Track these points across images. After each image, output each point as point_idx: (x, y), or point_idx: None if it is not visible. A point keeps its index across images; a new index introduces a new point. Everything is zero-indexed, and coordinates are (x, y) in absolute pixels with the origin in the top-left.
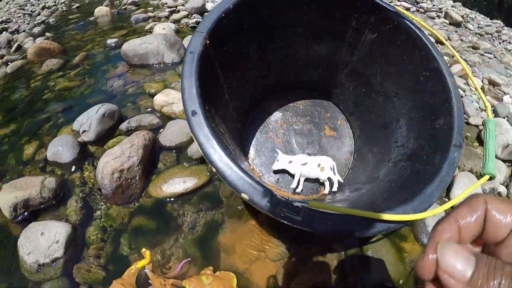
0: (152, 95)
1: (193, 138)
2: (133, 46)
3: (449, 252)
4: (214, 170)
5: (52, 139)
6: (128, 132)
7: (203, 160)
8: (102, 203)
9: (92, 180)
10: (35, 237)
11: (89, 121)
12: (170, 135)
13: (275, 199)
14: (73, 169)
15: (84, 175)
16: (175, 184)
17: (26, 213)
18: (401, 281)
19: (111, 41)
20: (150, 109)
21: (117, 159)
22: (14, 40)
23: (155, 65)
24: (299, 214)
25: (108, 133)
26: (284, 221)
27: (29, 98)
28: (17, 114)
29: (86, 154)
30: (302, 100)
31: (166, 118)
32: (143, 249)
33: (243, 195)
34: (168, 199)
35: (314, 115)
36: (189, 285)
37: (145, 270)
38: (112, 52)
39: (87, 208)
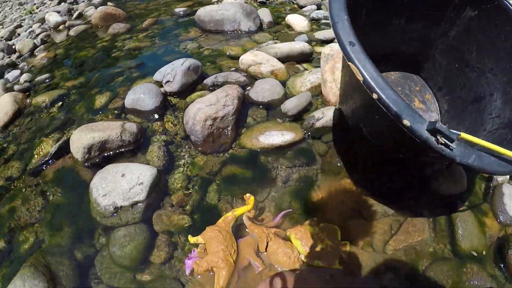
0: (232, 57)
1: (352, 67)
2: (209, 11)
3: None
4: (375, 97)
5: (127, 90)
6: (214, 87)
7: (298, 117)
8: (188, 152)
9: (175, 129)
10: (113, 179)
11: (173, 72)
12: (262, 92)
13: (434, 126)
14: (155, 117)
15: (166, 125)
16: (273, 136)
17: (100, 156)
18: (484, 252)
19: (179, 10)
20: (233, 68)
21: (212, 106)
22: (74, 9)
23: (230, 32)
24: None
25: (191, 87)
26: (439, 151)
27: (96, 56)
28: (85, 69)
29: (167, 105)
30: (393, 72)
31: (251, 77)
32: (247, 194)
33: (405, 122)
34: (262, 151)
35: (405, 87)
36: (295, 234)
37: (243, 218)
38: (181, 19)
39: (170, 156)
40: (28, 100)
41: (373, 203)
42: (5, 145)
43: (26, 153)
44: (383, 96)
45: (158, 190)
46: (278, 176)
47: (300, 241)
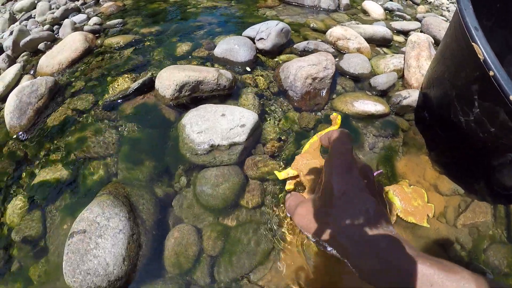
0: (316, 30)
1: (475, 47)
2: None
3: None
4: (491, 74)
5: (210, 42)
6: (304, 53)
7: (384, 93)
8: (281, 106)
9: (266, 84)
10: (212, 117)
11: (268, 30)
12: (354, 64)
13: None
14: (247, 69)
15: (256, 79)
16: (367, 104)
17: (189, 97)
18: None
19: None
20: (319, 39)
21: (314, 66)
22: None
23: (309, 7)
24: None
25: (280, 49)
26: None
27: (169, 10)
28: (159, 19)
29: (258, 61)
30: None
31: (338, 50)
32: (334, 114)
33: None
34: (354, 116)
35: None
36: (393, 191)
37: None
38: None
39: (263, 106)
40: (98, 41)
41: (448, 181)
42: (72, 80)
43: (97, 89)
44: (497, 74)
45: (255, 136)
46: (366, 142)
47: (397, 198)
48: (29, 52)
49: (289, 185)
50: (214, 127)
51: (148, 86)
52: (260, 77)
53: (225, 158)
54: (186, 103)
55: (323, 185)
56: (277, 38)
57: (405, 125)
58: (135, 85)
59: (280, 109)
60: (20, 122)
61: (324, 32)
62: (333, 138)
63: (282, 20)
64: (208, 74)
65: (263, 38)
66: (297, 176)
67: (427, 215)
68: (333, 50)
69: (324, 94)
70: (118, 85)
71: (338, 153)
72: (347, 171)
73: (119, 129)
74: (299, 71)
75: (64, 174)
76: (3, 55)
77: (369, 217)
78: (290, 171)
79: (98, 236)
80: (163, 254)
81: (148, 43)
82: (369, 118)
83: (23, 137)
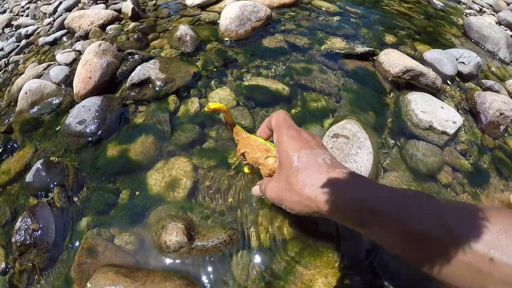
0: (493, 74)
1: None
2: (479, 25)
3: None
4: None
5: (412, 45)
6: (487, 89)
7: None
8: (470, 122)
9: (461, 100)
10: (433, 105)
11: (469, 58)
12: None
13: None
14: (448, 82)
15: (453, 92)
16: None
17: (406, 82)
18: None
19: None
20: (497, 83)
21: (504, 104)
22: None
23: (486, 50)
24: None
25: (470, 77)
26: None
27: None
28: (365, 1)
29: (455, 79)
30: None
31: None
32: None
33: None
34: None
35: None
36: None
37: None
38: None
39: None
40: None
41: None
42: (282, 20)
43: (310, 37)
44: None
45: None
46: None
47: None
48: None
49: (246, 170)
50: (434, 113)
51: (367, 56)
52: (457, 92)
53: (435, 138)
54: (400, 84)
55: (280, 154)
56: (473, 68)
57: None
58: (361, 49)
59: (469, 124)
60: (238, 30)
61: (500, 79)
62: (274, 118)
63: None
64: (429, 72)
65: (463, 63)
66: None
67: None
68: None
69: (502, 129)
70: (333, 42)
71: (284, 125)
72: (297, 135)
73: (339, 76)
74: (493, 103)
75: (280, 87)
76: None
77: (328, 164)
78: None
79: (357, 147)
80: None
81: (354, 20)
82: None
83: (230, 44)
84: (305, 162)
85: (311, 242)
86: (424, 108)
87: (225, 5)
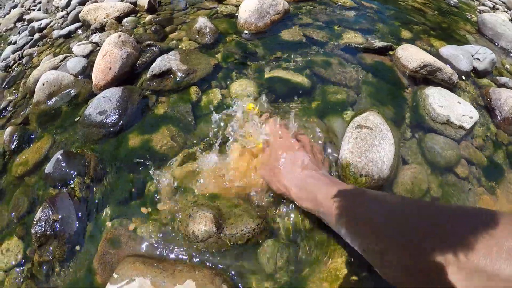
0: (507, 71)
1: None
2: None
3: None
4: None
5: (428, 40)
6: (502, 86)
7: None
8: (485, 117)
9: (476, 96)
10: (451, 100)
11: (485, 55)
12: None
13: None
14: (463, 78)
15: (468, 88)
16: None
17: (423, 76)
18: None
19: None
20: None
21: None
22: None
23: (500, 47)
24: None
25: (485, 73)
26: None
27: None
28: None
29: (470, 75)
30: None
31: None
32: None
33: None
34: None
35: None
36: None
37: None
38: None
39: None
40: None
41: None
42: (299, 14)
43: (327, 30)
44: None
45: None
46: None
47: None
48: None
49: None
50: (451, 107)
51: (384, 51)
52: (471, 88)
53: (453, 133)
54: (418, 79)
55: (272, 151)
56: (488, 64)
57: None
58: (379, 44)
59: (484, 120)
60: (257, 23)
61: None
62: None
63: None
64: (446, 68)
65: (478, 59)
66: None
67: None
68: None
69: None
70: (350, 36)
71: (277, 132)
72: (285, 141)
73: (358, 70)
74: (508, 99)
75: (301, 80)
76: None
77: (305, 165)
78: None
79: (380, 139)
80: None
81: (370, 15)
82: None
83: (249, 37)
84: (287, 161)
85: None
86: (442, 103)
87: None
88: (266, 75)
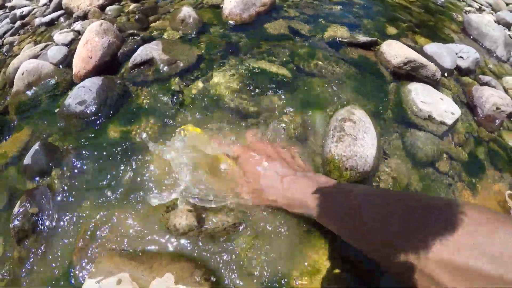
0: (490, 70)
1: None
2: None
3: None
4: None
5: (413, 37)
6: (485, 84)
7: None
8: (467, 115)
9: (459, 93)
10: (434, 96)
11: (468, 54)
12: None
13: None
14: (445, 75)
15: (451, 86)
16: None
17: (407, 72)
18: None
19: None
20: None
21: (500, 99)
22: None
23: (484, 47)
24: None
25: (468, 72)
26: None
27: None
28: None
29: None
30: None
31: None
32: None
33: None
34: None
35: None
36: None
37: None
38: None
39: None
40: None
41: None
42: (285, 6)
43: (311, 24)
44: None
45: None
46: None
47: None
48: None
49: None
50: (434, 103)
51: (369, 46)
52: (454, 85)
53: (434, 128)
54: (401, 75)
55: (245, 175)
56: (471, 63)
57: None
58: (364, 39)
59: (466, 117)
60: (242, 14)
61: (496, 76)
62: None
63: None
64: (430, 64)
65: (462, 58)
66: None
67: None
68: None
69: (497, 123)
70: (335, 30)
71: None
72: (250, 158)
73: (342, 64)
74: (490, 97)
75: (284, 72)
76: None
77: (281, 173)
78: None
79: (364, 132)
80: None
81: (356, 10)
82: None
83: (234, 28)
84: (262, 178)
85: (316, 227)
86: (424, 99)
87: None
88: (250, 67)
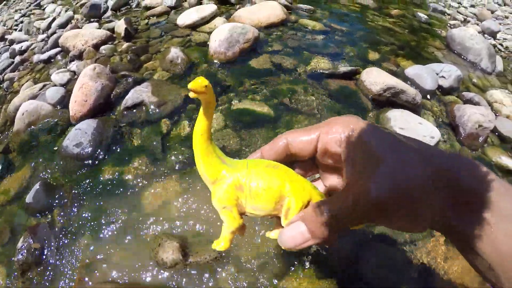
0: (474, 85)
1: None
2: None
3: None
4: None
5: (394, 61)
6: (468, 101)
7: None
8: (449, 135)
9: (441, 114)
10: (412, 121)
11: (450, 73)
12: (507, 127)
13: None
14: (428, 96)
15: (433, 106)
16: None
17: (388, 99)
18: None
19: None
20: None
21: (482, 116)
22: None
23: (469, 61)
24: None
25: (451, 90)
26: None
27: (358, 16)
28: (349, 20)
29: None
30: None
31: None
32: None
33: None
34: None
35: None
36: None
37: None
38: None
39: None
40: (292, 17)
41: None
42: (269, 40)
43: (296, 57)
44: None
45: None
46: None
47: None
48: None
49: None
50: (412, 129)
51: (352, 75)
52: (436, 106)
53: None
54: (382, 102)
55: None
56: (453, 81)
57: None
58: (344, 69)
59: (448, 137)
60: (226, 52)
61: (481, 89)
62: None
63: None
64: (409, 89)
65: (444, 77)
66: None
67: None
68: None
69: (481, 140)
70: (317, 62)
71: None
72: None
73: (323, 96)
74: (472, 115)
75: (266, 111)
76: None
77: None
78: None
79: None
80: None
81: (339, 38)
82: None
83: (219, 66)
84: None
85: (296, 260)
86: (403, 125)
87: (215, 25)
88: (233, 107)
